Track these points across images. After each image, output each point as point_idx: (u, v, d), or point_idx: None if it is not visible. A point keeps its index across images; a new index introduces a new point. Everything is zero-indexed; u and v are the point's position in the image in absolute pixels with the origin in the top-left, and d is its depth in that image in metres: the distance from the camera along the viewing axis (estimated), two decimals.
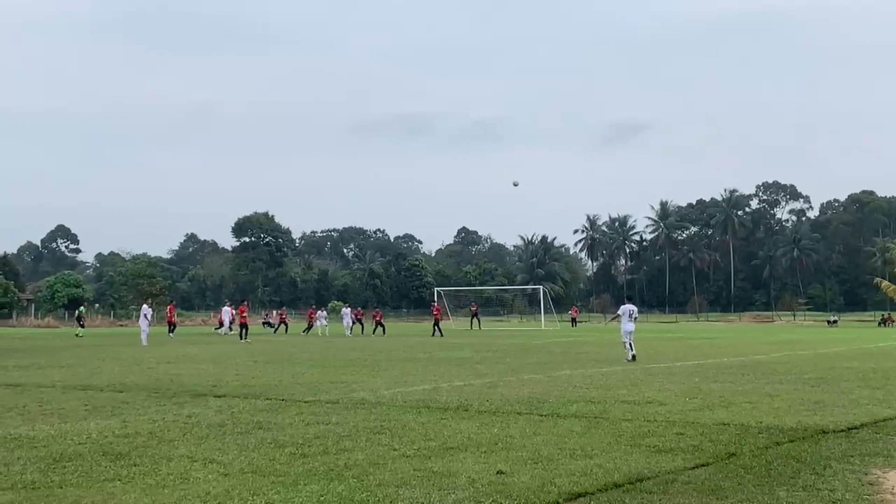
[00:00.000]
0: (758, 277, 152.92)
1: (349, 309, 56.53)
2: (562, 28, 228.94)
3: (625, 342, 25.54)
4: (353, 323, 54.41)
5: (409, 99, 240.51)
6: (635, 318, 26.15)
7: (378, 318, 54.95)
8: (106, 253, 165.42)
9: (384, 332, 52.29)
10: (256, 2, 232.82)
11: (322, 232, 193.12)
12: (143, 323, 41.58)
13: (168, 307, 54.79)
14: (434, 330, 50.58)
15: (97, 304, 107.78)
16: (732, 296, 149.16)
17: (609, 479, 8.19)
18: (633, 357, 24.98)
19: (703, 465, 8.93)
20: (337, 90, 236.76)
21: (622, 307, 26.45)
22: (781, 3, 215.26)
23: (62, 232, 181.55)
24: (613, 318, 26.29)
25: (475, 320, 67.39)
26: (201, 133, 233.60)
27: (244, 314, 44.76)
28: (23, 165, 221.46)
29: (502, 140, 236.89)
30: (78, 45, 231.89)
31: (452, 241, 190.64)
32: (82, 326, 54.99)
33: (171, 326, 51.88)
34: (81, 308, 61.26)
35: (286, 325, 61.41)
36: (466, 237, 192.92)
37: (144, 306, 44.21)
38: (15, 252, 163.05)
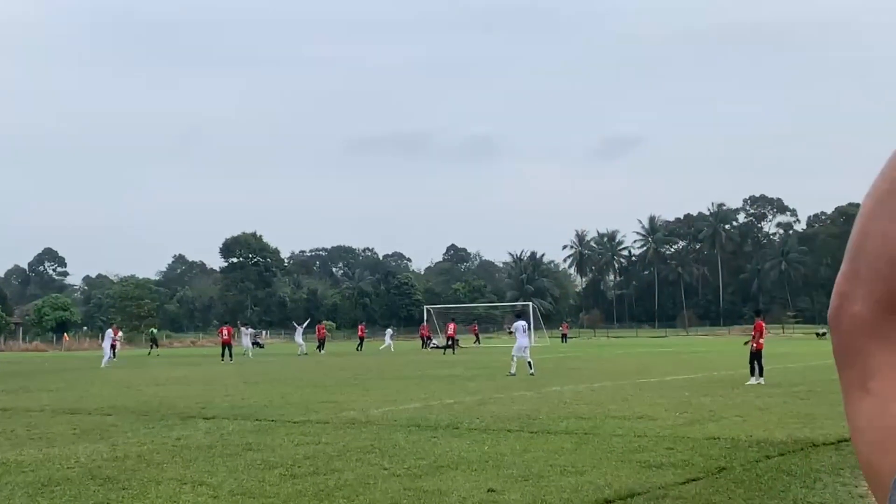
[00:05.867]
0: (746, 291, 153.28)
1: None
2: (550, 43, 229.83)
3: (514, 357, 26.31)
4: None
5: (397, 117, 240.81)
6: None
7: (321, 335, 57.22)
8: (94, 275, 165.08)
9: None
10: (248, 20, 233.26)
11: (311, 251, 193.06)
12: (106, 345, 42.22)
13: (111, 328, 47.66)
14: (445, 348, 49.69)
15: (85, 327, 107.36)
16: (721, 310, 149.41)
17: (600, 496, 8.18)
18: (532, 373, 25.75)
19: (693, 480, 8.93)
20: (326, 109, 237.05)
21: (516, 324, 27.47)
22: (767, 18, 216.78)
23: (49, 255, 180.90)
24: (510, 333, 27.67)
25: (461, 340, 68.32)
26: (188, 153, 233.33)
27: (223, 335, 45.51)
28: (8, 188, 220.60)
29: (490, 156, 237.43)
30: (64, 66, 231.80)
31: (441, 259, 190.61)
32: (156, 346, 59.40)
33: (113, 350, 44.75)
34: (153, 330, 63.41)
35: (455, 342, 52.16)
36: (455, 254, 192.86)
37: (109, 330, 44.49)
38: (2, 276, 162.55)
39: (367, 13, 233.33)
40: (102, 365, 39.57)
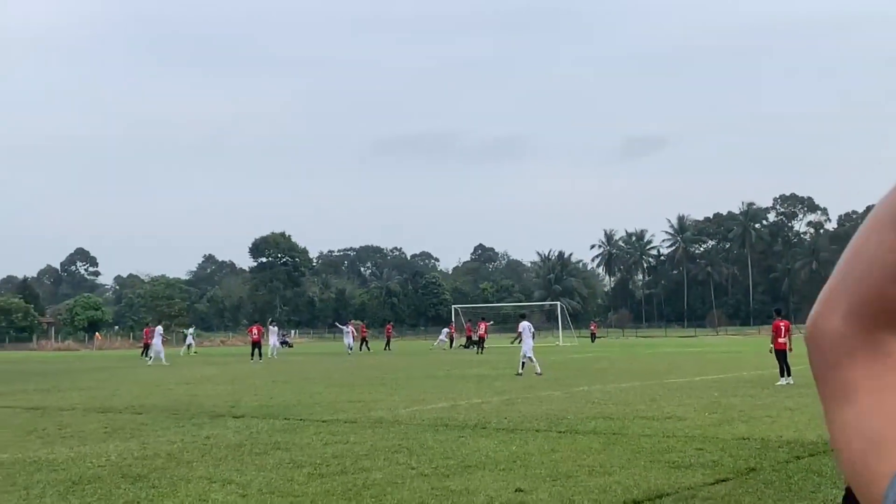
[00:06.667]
0: (776, 290, 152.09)
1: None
2: (578, 43, 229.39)
3: (531, 357, 26.69)
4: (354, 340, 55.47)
5: (425, 117, 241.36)
6: (533, 335, 28.41)
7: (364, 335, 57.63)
8: (125, 275, 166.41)
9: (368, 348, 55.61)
10: (274, 23, 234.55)
11: (339, 251, 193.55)
12: (157, 343, 42.54)
13: (144, 329, 51.18)
14: (478, 348, 49.59)
15: (116, 327, 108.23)
16: (751, 309, 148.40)
17: (628, 496, 8.15)
18: (521, 373, 26.26)
19: (723, 481, 8.88)
20: (353, 109, 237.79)
21: (522, 324, 28.17)
22: (796, 13, 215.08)
23: (81, 255, 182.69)
24: (516, 338, 28.27)
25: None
26: (218, 154, 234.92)
27: (252, 334, 45.58)
28: (41, 190, 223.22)
29: (518, 156, 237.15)
30: (95, 70, 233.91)
31: (469, 259, 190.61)
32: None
33: (146, 349, 47.75)
34: (191, 331, 66.52)
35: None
36: (483, 254, 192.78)
37: (159, 327, 44.85)
38: (35, 276, 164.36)
39: (395, 14, 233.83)
40: (163, 362, 40.67)
